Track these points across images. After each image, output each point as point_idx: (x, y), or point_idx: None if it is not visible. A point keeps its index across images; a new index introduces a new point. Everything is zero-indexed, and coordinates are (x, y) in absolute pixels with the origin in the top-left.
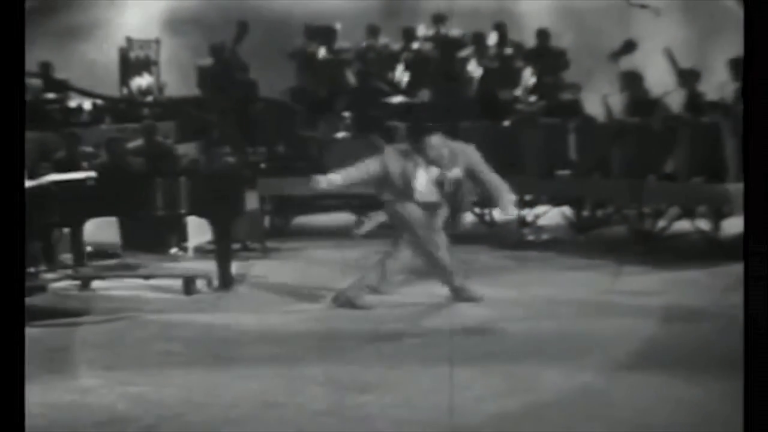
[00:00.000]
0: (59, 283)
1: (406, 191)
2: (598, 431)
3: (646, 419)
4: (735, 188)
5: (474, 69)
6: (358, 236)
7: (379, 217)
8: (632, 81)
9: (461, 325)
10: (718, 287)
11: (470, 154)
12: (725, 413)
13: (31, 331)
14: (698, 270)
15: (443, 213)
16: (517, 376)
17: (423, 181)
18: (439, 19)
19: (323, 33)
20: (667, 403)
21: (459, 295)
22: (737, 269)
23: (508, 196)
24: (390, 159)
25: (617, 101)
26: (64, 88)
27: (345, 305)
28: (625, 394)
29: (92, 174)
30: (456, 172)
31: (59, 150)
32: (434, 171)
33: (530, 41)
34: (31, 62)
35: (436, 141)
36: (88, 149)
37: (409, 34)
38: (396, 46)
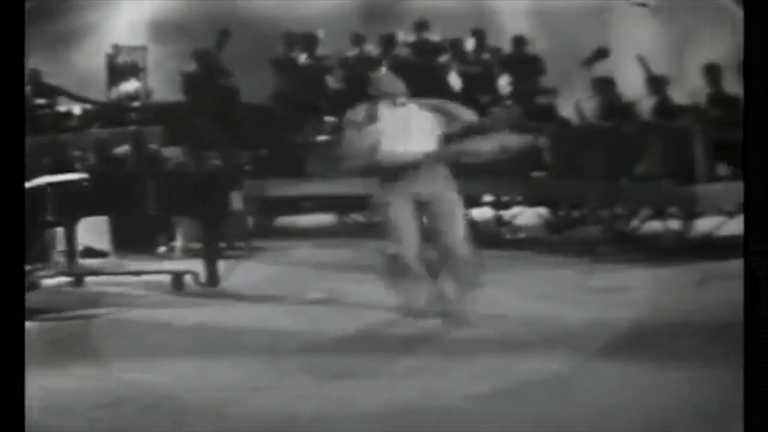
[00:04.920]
0: (53, 280)
1: None
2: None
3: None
4: (704, 189)
5: (454, 81)
6: None
7: None
8: (604, 86)
9: None
10: (688, 283)
11: None
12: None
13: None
14: (669, 268)
15: None
16: None
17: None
18: (420, 26)
19: (305, 40)
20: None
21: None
22: (706, 267)
23: None
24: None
25: (590, 106)
26: (54, 93)
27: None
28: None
29: (85, 176)
30: None
31: (50, 154)
32: None
33: (506, 44)
34: None
35: None
36: (77, 153)
37: (388, 40)
38: (376, 51)
